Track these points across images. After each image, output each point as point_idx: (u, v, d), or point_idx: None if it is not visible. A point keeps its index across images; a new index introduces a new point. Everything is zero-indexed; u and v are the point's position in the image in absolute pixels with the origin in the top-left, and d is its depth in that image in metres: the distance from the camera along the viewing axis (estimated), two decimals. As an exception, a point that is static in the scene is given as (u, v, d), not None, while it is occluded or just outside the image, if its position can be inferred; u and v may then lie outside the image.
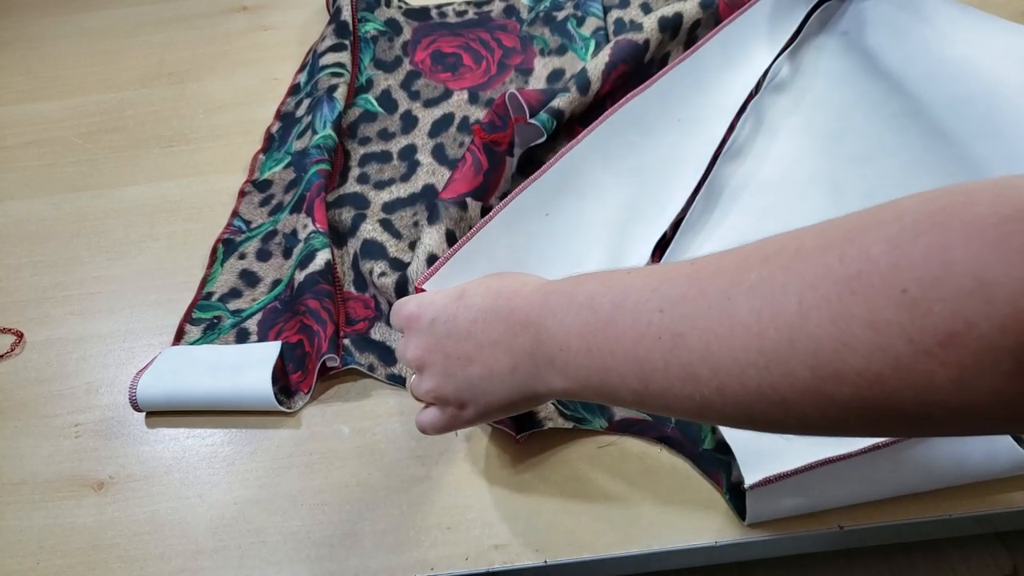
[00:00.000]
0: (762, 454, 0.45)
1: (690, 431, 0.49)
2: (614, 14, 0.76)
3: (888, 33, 0.66)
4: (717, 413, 0.30)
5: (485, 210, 0.59)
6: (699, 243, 0.58)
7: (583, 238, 0.54)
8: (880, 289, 0.24)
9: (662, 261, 0.57)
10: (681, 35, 0.69)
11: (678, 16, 0.68)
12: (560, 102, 0.61)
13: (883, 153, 0.61)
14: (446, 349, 0.38)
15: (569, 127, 0.64)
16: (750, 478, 0.43)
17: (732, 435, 0.46)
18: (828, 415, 0.26)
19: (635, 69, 0.66)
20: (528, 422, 0.47)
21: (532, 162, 0.63)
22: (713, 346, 0.28)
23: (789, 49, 0.67)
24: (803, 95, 0.66)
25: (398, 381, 0.53)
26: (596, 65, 0.63)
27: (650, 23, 0.66)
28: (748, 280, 0.27)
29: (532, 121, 0.59)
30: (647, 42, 0.66)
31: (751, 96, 0.64)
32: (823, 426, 0.28)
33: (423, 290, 0.44)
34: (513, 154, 0.61)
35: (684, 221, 0.58)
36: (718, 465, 0.47)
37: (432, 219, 0.56)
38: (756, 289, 0.27)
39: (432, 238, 0.55)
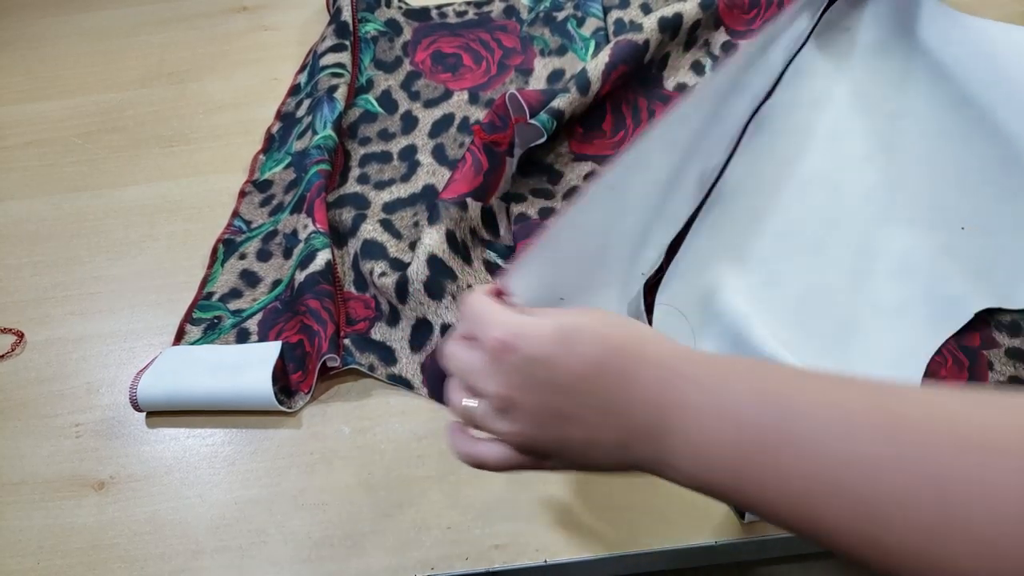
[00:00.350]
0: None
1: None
2: (614, 14, 0.76)
3: (889, 31, 0.66)
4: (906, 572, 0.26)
5: (485, 210, 0.59)
6: (701, 243, 0.58)
7: (627, 215, 0.53)
8: None
9: (672, 265, 0.55)
10: (681, 35, 0.69)
11: (678, 16, 0.68)
12: (560, 102, 0.61)
13: (880, 153, 0.61)
14: (542, 399, 0.33)
15: (569, 127, 0.64)
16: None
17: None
18: None
19: (635, 69, 0.66)
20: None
21: (532, 162, 0.63)
22: (916, 535, 0.24)
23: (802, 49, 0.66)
24: (802, 94, 0.66)
25: (398, 381, 0.53)
26: (596, 65, 0.63)
27: (650, 23, 0.67)
28: (963, 474, 0.24)
29: (532, 121, 0.59)
30: (647, 42, 0.66)
31: (767, 97, 0.64)
32: None
33: (502, 292, 0.37)
34: (513, 154, 0.61)
35: (696, 220, 0.58)
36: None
37: (432, 219, 0.56)
38: (978, 493, 0.24)
39: (432, 238, 0.55)
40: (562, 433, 0.33)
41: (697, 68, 0.69)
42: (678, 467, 0.31)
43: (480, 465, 0.36)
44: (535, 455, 0.34)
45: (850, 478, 0.26)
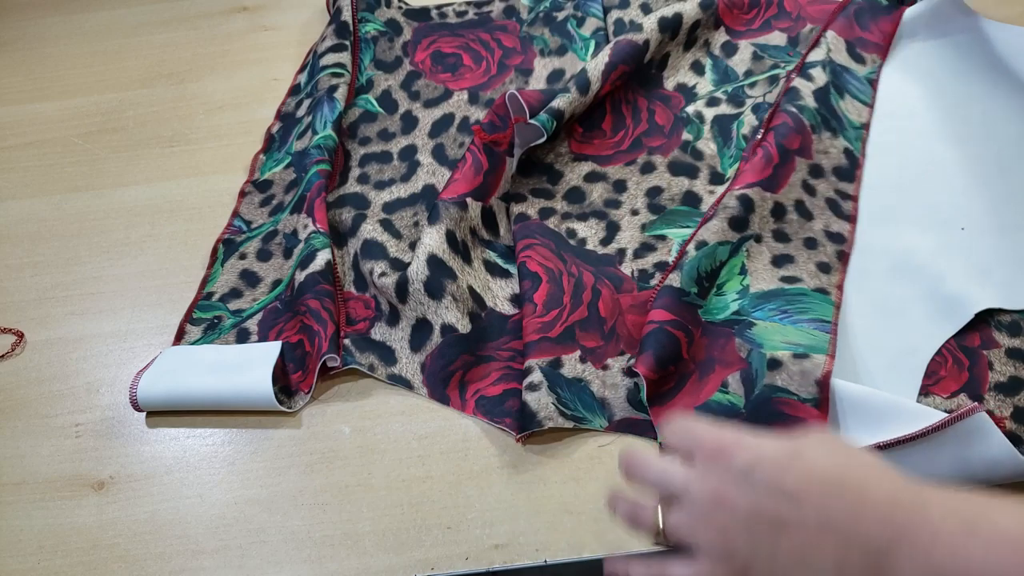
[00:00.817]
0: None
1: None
2: (614, 14, 0.76)
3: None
4: None
5: (485, 210, 0.59)
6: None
7: None
8: None
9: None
10: (681, 36, 0.69)
11: (678, 16, 0.68)
12: (560, 102, 0.61)
13: (880, 153, 0.61)
14: (759, 503, 0.31)
15: (569, 127, 0.64)
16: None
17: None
18: None
19: (635, 69, 0.66)
20: (529, 421, 0.48)
21: (532, 162, 0.63)
22: None
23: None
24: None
25: (398, 381, 0.53)
26: (596, 65, 0.63)
27: (650, 23, 0.67)
28: None
29: (532, 121, 0.59)
30: (647, 42, 0.66)
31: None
32: None
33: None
34: (513, 154, 0.61)
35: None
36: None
37: (432, 219, 0.56)
38: None
39: (432, 238, 0.55)
40: (771, 543, 0.31)
41: (697, 68, 0.69)
42: None
43: None
44: (729, 568, 0.32)
45: None
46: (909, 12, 0.68)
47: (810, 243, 0.56)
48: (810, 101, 0.62)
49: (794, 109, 0.61)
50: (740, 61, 0.69)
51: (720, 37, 0.71)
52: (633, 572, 0.35)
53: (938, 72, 0.66)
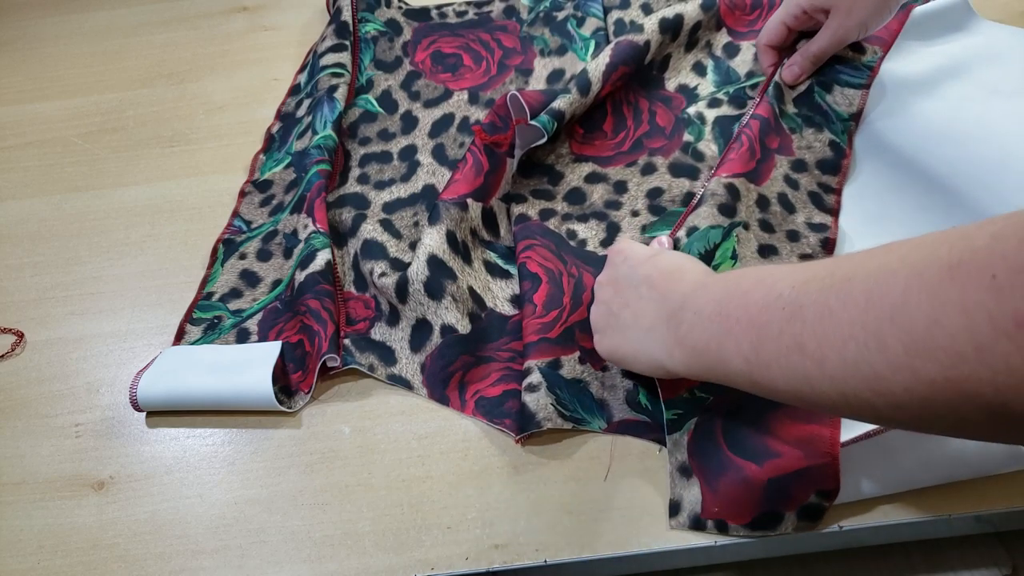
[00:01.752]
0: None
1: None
2: (614, 15, 0.76)
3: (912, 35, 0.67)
4: (813, 390, 0.33)
5: (486, 211, 0.59)
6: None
7: None
8: (975, 275, 0.26)
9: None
10: (682, 37, 0.69)
11: (679, 17, 0.68)
12: (561, 103, 0.61)
13: (879, 152, 0.61)
14: (618, 289, 0.47)
15: (570, 128, 0.64)
16: (750, 478, 0.44)
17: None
18: (915, 396, 0.28)
19: (636, 70, 0.66)
20: (528, 422, 0.48)
21: (532, 163, 0.63)
22: (825, 319, 0.31)
23: None
24: None
25: (398, 381, 0.53)
26: (597, 66, 0.63)
27: (651, 24, 0.67)
28: (869, 266, 0.31)
29: (533, 122, 0.59)
30: (648, 43, 0.66)
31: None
32: (911, 410, 0.29)
33: None
34: (514, 155, 0.61)
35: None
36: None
37: (433, 220, 0.56)
38: (874, 274, 0.30)
39: (433, 239, 0.55)
40: (617, 313, 0.46)
41: (699, 69, 0.69)
42: (679, 334, 0.41)
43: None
44: (599, 331, 0.48)
45: (791, 295, 0.34)
46: (917, 11, 0.68)
47: (792, 235, 0.57)
48: (790, 107, 0.63)
49: (776, 110, 0.62)
50: (742, 62, 0.69)
51: (722, 38, 0.71)
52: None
53: (938, 72, 0.66)
